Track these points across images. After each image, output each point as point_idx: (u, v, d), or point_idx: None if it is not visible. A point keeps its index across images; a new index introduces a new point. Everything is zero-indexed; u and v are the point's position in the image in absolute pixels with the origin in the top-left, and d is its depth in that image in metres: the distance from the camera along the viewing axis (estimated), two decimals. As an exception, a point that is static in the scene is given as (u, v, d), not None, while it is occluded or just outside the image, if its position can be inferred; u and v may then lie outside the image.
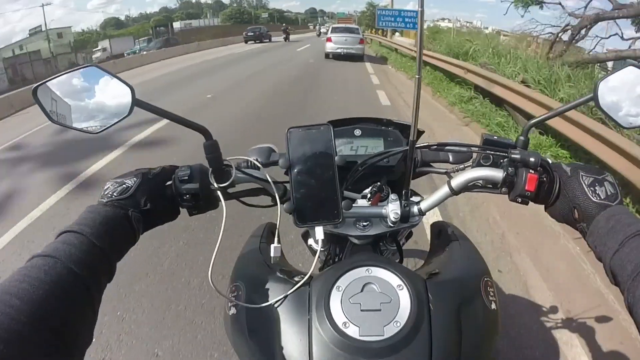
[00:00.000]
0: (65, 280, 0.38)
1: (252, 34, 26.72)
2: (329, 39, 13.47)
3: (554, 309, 1.79)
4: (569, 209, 0.53)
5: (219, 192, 0.56)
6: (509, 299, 1.86)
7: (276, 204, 0.56)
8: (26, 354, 0.32)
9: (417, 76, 0.51)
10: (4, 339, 0.31)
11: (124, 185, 0.51)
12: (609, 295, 1.86)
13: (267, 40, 26.52)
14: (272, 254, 0.55)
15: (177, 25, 49.72)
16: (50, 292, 0.36)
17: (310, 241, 0.88)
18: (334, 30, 13.87)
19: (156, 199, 0.53)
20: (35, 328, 0.33)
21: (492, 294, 0.56)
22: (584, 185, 0.51)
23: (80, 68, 0.49)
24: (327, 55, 13.53)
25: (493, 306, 0.55)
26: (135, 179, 0.52)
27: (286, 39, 25.94)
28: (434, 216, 2.39)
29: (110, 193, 0.50)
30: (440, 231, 0.72)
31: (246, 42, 26.08)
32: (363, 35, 14.49)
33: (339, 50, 13.03)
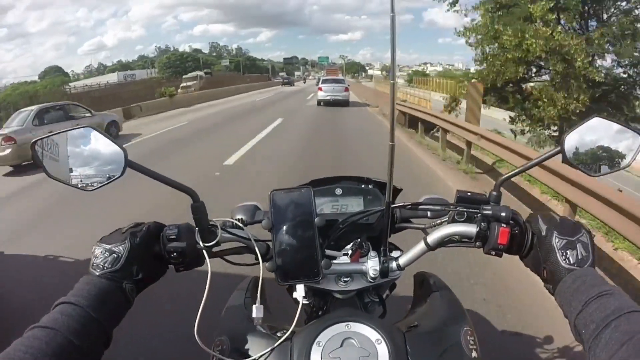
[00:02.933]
0: (65, 351, 0.41)
1: (286, 80, 47.01)
2: (319, 89, 15.75)
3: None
4: (539, 265, 0.55)
5: (204, 251, 0.57)
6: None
7: (259, 262, 0.58)
8: None
9: (390, 143, 0.55)
10: None
11: (114, 255, 0.52)
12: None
13: (293, 85, 44.48)
14: (254, 315, 0.55)
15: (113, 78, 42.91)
16: None
17: (295, 294, 0.87)
18: (324, 81, 16.52)
19: (146, 264, 0.54)
20: None
21: (472, 342, 0.57)
22: (556, 247, 0.52)
23: (76, 128, 0.52)
24: (319, 103, 15.47)
25: (474, 354, 0.56)
26: (123, 246, 0.53)
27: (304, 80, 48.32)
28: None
29: (102, 264, 0.51)
30: (423, 282, 0.73)
31: (282, 85, 43.38)
32: (348, 84, 17.37)
33: (328, 97, 15.32)
